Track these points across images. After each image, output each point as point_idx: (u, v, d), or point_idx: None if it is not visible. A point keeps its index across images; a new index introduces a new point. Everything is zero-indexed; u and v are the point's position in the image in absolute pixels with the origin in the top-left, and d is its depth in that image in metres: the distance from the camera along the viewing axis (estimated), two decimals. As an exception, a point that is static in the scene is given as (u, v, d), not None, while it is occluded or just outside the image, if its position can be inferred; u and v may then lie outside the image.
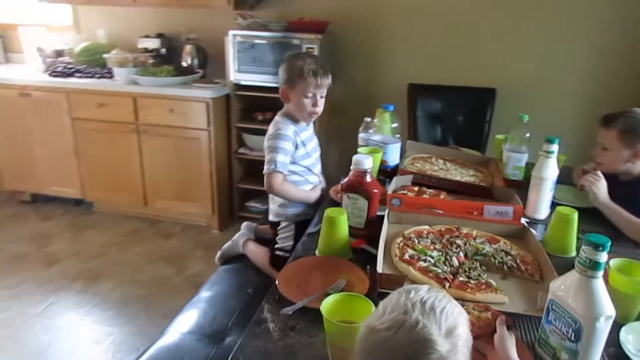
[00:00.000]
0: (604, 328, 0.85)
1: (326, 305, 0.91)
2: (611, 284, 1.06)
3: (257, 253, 1.86)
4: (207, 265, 2.80)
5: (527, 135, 1.87)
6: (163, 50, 3.37)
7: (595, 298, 0.84)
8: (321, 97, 1.76)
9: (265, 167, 1.73)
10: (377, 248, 1.31)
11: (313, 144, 1.90)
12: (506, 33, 2.88)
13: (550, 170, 1.56)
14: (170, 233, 3.19)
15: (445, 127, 2.93)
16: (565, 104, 2.92)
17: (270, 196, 1.86)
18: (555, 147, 1.55)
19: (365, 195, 1.36)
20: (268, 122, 3.04)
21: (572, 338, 0.87)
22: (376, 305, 0.87)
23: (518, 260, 1.20)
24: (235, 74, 3.01)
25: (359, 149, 1.87)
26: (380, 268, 1.14)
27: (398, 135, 1.97)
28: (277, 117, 1.84)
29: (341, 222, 1.27)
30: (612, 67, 2.81)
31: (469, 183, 1.79)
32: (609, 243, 0.83)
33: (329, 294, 1.10)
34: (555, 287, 0.91)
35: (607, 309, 0.84)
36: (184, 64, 3.28)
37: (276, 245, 1.81)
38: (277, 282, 1.15)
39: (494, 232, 1.37)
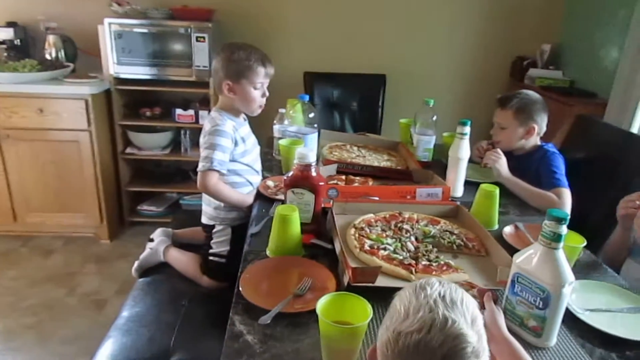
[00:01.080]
0: (568, 293, 0.94)
1: (321, 306, 0.88)
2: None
3: (182, 260, 1.72)
4: (104, 280, 2.52)
5: (434, 118, 2.00)
6: (17, 42, 2.90)
7: (560, 267, 0.93)
8: (266, 87, 1.69)
9: (200, 165, 1.59)
10: (326, 242, 1.31)
11: (252, 139, 1.80)
12: (393, 20, 3.04)
13: (465, 150, 1.68)
14: (51, 249, 2.81)
15: (341, 114, 3.00)
16: (446, 85, 3.19)
17: (205, 198, 1.73)
18: (467, 129, 1.68)
19: (312, 189, 1.33)
20: (157, 118, 2.88)
21: (540, 306, 0.96)
22: (371, 303, 0.89)
23: (464, 238, 1.29)
24: (115, 67, 2.73)
25: (280, 142, 1.83)
26: (349, 262, 1.12)
27: (316, 125, 1.96)
28: (213, 113, 1.70)
29: (294, 219, 1.23)
30: (487, 50, 3.14)
31: (391, 168, 1.86)
32: (568, 216, 0.92)
33: (298, 296, 1.08)
34: (520, 261, 0.99)
35: (570, 276, 0.94)
36: (48, 57, 2.87)
37: (210, 250, 1.69)
38: (240, 289, 1.08)
39: (431, 214, 1.45)
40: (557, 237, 0.93)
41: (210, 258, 1.68)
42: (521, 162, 1.86)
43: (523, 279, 0.98)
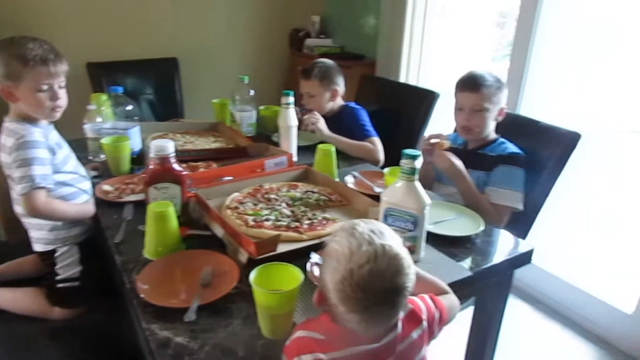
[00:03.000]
0: (428, 213, 1.19)
1: (254, 280, 0.91)
2: (388, 184, 1.43)
3: (19, 298, 1.46)
4: None
5: (251, 93, 2.08)
6: None
7: (420, 194, 1.16)
8: (60, 87, 1.44)
9: (20, 187, 1.32)
10: (204, 229, 1.30)
11: (66, 144, 1.55)
12: (174, 2, 2.94)
13: (293, 118, 1.83)
14: None
15: (138, 104, 2.82)
16: (237, 62, 3.28)
17: (32, 223, 1.45)
18: (291, 99, 1.82)
19: (176, 180, 1.29)
20: None
21: (411, 228, 1.18)
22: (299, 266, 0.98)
23: (326, 194, 1.44)
24: None
25: (103, 142, 1.67)
26: (247, 238, 1.16)
27: (136, 118, 1.84)
28: (8, 124, 1.40)
29: (170, 215, 1.19)
30: (267, 24, 3.32)
31: (227, 148, 1.89)
32: (420, 153, 1.15)
33: (205, 286, 1.08)
34: (388, 197, 1.19)
35: (428, 199, 1.17)
36: None
37: (57, 277, 1.46)
38: (143, 297, 1.02)
39: (285, 181, 1.56)
40: (413, 171, 1.14)
41: (60, 286, 1.46)
42: (333, 123, 2.11)
43: (394, 211, 1.19)
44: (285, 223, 1.27)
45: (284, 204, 1.38)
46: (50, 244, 1.48)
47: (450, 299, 1.04)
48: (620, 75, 2.64)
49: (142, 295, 1.03)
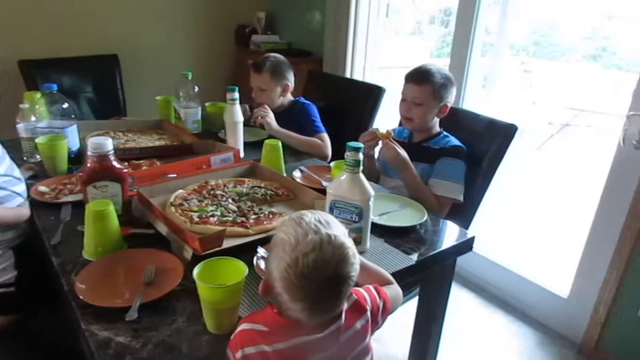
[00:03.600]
0: (372, 204, 1.21)
1: (198, 275, 0.90)
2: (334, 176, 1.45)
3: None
4: None
5: (196, 90, 2.04)
6: None
7: (364, 186, 1.18)
8: None
9: None
10: (147, 228, 1.27)
11: None
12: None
13: (239, 114, 1.81)
14: None
15: (77, 102, 2.70)
16: (181, 58, 3.21)
17: None
18: (237, 95, 1.80)
19: (116, 178, 1.25)
20: None
21: (356, 220, 1.20)
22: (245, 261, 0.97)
23: (273, 189, 1.44)
24: None
25: (38, 141, 1.59)
26: (192, 235, 1.14)
27: (73, 116, 1.76)
28: None
29: (110, 213, 1.15)
30: (212, 20, 3.26)
31: (170, 145, 1.85)
32: (363, 145, 1.17)
33: (148, 284, 1.05)
34: (333, 190, 1.20)
35: (372, 191, 1.20)
36: None
37: None
38: (81, 298, 0.99)
39: (232, 177, 1.54)
40: (357, 163, 1.17)
41: (-6, 293, 1.38)
42: (283, 118, 2.10)
43: (339, 203, 1.20)
44: (231, 218, 1.25)
45: (230, 200, 1.36)
46: (-19, 250, 1.39)
47: (394, 289, 1.07)
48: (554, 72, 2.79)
49: (80, 297, 0.99)
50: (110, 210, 1.15)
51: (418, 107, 1.73)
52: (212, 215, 1.26)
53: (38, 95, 1.80)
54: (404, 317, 1.58)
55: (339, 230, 0.85)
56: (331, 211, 1.22)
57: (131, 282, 1.06)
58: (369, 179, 1.83)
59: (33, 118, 1.72)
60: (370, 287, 1.01)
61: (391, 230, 1.34)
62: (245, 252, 1.09)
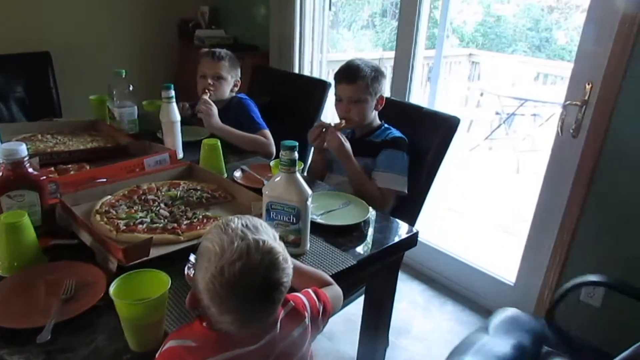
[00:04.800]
0: (310, 204, 1.16)
1: (115, 291, 0.83)
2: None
3: None
4: None
5: (130, 88, 1.94)
6: None
7: (301, 185, 1.14)
8: None
9: None
10: (68, 239, 1.18)
11: None
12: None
13: (176, 113, 1.73)
14: None
15: (6, 103, 2.52)
16: (122, 54, 3.06)
17: None
18: (172, 93, 1.71)
19: (33, 186, 1.15)
20: None
21: (294, 221, 1.15)
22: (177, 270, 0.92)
23: (209, 191, 1.37)
24: None
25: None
26: (115, 245, 1.06)
27: (-8, 119, 1.63)
28: None
29: (25, 225, 1.06)
30: (152, 15, 3.13)
31: (103, 147, 1.75)
32: (297, 144, 1.12)
33: (67, 300, 0.98)
34: (269, 191, 1.15)
35: (309, 190, 1.15)
36: None
37: None
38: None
39: (167, 179, 1.47)
40: (293, 162, 1.12)
41: None
42: (222, 115, 2.02)
43: (275, 205, 1.15)
44: (161, 225, 1.18)
45: (162, 205, 1.29)
46: None
47: (333, 290, 1.04)
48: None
49: (-11, 319, 0.90)
50: (24, 222, 1.06)
51: (356, 104, 1.70)
52: (141, 222, 1.19)
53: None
54: (356, 312, 1.55)
55: (268, 235, 0.80)
56: (268, 213, 1.17)
57: (48, 299, 0.98)
58: (316, 175, 1.83)
59: (-54, 122, 1.58)
60: (309, 290, 0.97)
61: (333, 230, 1.31)
62: (176, 261, 1.03)
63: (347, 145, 1.66)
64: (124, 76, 1.93)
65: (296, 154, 1.12)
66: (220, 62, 2.01)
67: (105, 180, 1.42)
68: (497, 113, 4.83)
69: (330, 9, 2.78)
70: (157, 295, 0.84)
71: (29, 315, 0.93)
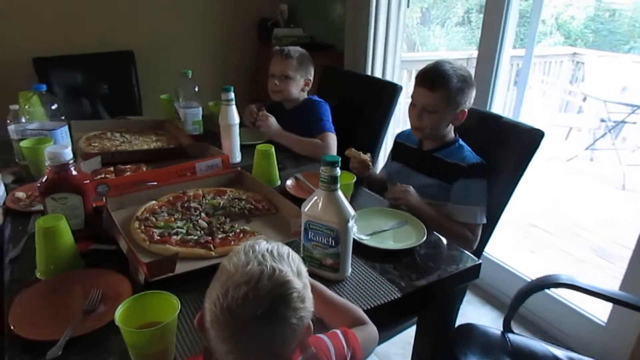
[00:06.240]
0: (352, 226, 1.04)
1: (120, 315, 0.78)
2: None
3: None
4: None
5: (196, 89, 1.93)
6: None
7: (342, 205, 1.02)
8: None
9: None
10: (108, 244, 1.17)
11: None
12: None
13: (234, 116, 1.69)
14: None
15: (92, 100, 2.67)
16: (200, 54, 3.13)
17: None
18: (232, 95, 1.67)
19: (76, 190, 1.15)
20: None
21: (333, 244, 1.04)
22: (179, 293, 0.85)
23: (253, 202, 1.30)
24: None
25: (22, 144, 1.53)
26: (140, 259, 1.02)
27: (63, 117, 1.70)
28: None
29: (62, 229, 1.05)
30: (233, 14, 3.16)
31: (162, 148, 1.76)
32: (340, 159, 1.01)
33: (89, 312, 0.94)
34: (307, 209, 1.05)
35: (351, 210, 1.03)
36: None
37: None
38: (12, 328, 0.89)
39: (216, 186, 1.42)
40: (334, 180, 1.01)
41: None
42: (293, 116, 1.96)
43: (314, 225, 1.05)
44: (195, 237, 1.13)
45: (202, 214, 1.24)
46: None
47: (367, 331, 0.91)
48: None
49: (11, 327, 0.89)
50: (61, 226, 1.05)
51: (430, 115, 1.50)
52: (176, 233, 1.14)
53: (31, 94, 1.74)
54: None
55: (290, 267, 0.71)
56: (306, 233, 1.07)
57: (70, 310, 0.95)
58: (375, 190, 1.68)
59: (23, 119, 1.67)
60: (337, 332, 0.85)
61: (380, 253, 1.17)
62: (205, 278, 0.96)
63: (414, 201, 1.45)
64: (190, 77, 1.93)
65: (338, 170, 1.00)
66: (287, 60, 1.93)
67: (155, 183, 1.41)
68: (602, 120, 4.31)
69: (408, 6, 2.60)
70: (162, 324, 0.77)
71: (49, 325, 0.91)
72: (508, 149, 1.55)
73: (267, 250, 0.71)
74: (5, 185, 1.51)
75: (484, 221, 1.49)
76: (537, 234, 2.98)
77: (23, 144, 1.53)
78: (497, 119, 1.66)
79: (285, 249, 0.74)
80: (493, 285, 2.32)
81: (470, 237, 1.46)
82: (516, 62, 3.65)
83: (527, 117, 1.87)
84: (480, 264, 1.19)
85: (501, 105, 2.21)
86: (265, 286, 0.66)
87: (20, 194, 1.43)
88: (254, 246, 0.72)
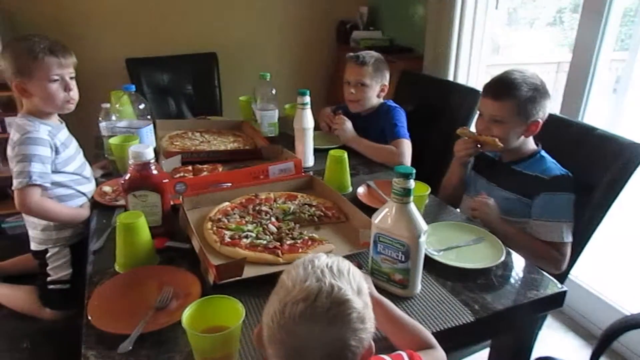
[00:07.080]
0: (424, 241, 1.00)
1: (187, 318, 0.79)
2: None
3: (14, 296, 1.46)
4: None
5: (273, 92, 1.96)
6: None
7: (414, 219, 0.97)
8: (71, 78, 1.45)
9: (16, 182, 1.33)
10: (183, 242, 1.20)
11: (74, 144, 1.56)
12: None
13: (309, 120, 1.68)
14: None
15: (176, 100, 2.81)
16: (278, 57, 3.18)
17: (28, 220, 1.46)
18: (307, 99, 1.67)
19: (155, 188, 1.20)
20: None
21: (402, 259, 0.99)
22: (244, 297, 0.85)
23: (323, 209, 1.29)
24: None
25: (110, 141, 1.63)
26: (210, 261, 1.04)
27: (149, 117, 1.79)
28: (19, 120, 1.42)
29: (140, 226, 1.10)
30: (311, 17, 3.18)
31: (238, 150, 1.80)
32: (414, 171, 0.96)
33: (160, 309, 0.97)
34: (378, 221, 1.02)
35: (424, 225, 0.98)
36: None
37: (49, 279, 1.44)
38: (89, 319, 0.93)
39: (287, 190, 1.42)
40: (407, 192, 0.96)
41: (51, 287, 1.44)
42: (368, 121, 1.93)
43: (384, 238, 1.01)
44: (264, 242, 1.13)
45: (272, 218, 1.24)
46: (42, 243, 1.47)
47: (433, 357, 0.86)
48: None
49: (89, 317, 0.94)
50: (140, 222, 1.10)
51: (498, 125, 1.42)
52: (246, 237, 1.15)
53: (121, 94, 1.85)
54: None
55: (351, 285, 0.67)
56: (375, 245, 1.03)
57: (142, 305, 0.99)
58: (448, 191, 1.61)
59: (114, 117, 1.78)
60: (404, 355, 0.81)
61: (453, 272, 1.11)
62: (270, 283, 0.96)
63: (493, 214, 1.38)
64: (267, 79, 1.96)
65: (412, 182, 0.96)
66: (363, 67, 1.90)
67: (230, 184, 1.44)
68: None
69: (496, 7, 2.47)
70: (227, 330, 0.77)
71: (122, 319, 0.95)
72: (602, 164, 1.41)
73: (327, 265, 0.69)
74: (95, 180, 1.61)
75: (570, 239, 1.37)
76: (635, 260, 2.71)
77: (112, 140, 1.62)
78: (591, 130, 1.51)
79: (346, 264, 0.71)
80: (579, 312, 2.14)
81: (557, 257, 1.34)
82: (615, 67, 3.34)
83: (628, 130, 1.69)
84: (565, 291, 1.09)
85: (597, 115, 2.03)
86: (324, 304, 0.64)
87: (107, 188, 1.52)
88: (314, 260, 0.70)
